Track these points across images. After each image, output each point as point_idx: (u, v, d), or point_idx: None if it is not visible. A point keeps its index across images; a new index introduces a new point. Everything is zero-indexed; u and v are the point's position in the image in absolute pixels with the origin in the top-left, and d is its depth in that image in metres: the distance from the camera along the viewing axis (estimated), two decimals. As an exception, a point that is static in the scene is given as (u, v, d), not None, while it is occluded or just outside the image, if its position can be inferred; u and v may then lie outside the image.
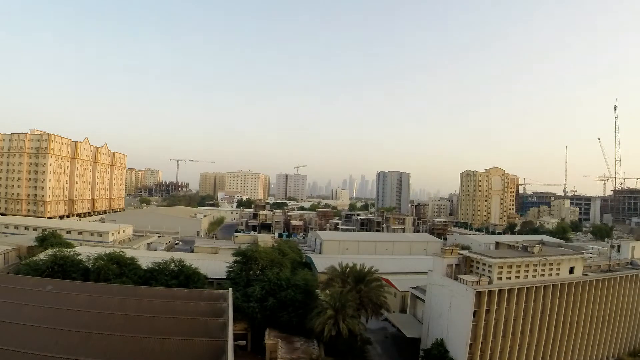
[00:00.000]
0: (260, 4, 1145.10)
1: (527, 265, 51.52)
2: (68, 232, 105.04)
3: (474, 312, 46.94)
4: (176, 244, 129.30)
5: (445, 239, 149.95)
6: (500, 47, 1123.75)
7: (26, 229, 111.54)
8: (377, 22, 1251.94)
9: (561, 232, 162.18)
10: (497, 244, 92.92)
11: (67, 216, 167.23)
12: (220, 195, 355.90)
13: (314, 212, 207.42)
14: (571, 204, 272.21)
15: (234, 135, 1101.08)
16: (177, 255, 72.44)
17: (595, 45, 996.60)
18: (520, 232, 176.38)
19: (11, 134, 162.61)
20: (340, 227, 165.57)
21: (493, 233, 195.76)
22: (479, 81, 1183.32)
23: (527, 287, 50.27)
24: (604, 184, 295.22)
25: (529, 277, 51.45)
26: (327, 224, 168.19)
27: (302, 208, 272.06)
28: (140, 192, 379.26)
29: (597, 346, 58.92)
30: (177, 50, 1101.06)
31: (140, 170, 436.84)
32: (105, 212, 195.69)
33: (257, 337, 51.91)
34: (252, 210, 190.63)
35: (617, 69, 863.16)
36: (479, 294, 46.95)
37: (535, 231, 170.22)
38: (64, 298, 42.02)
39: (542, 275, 52.43)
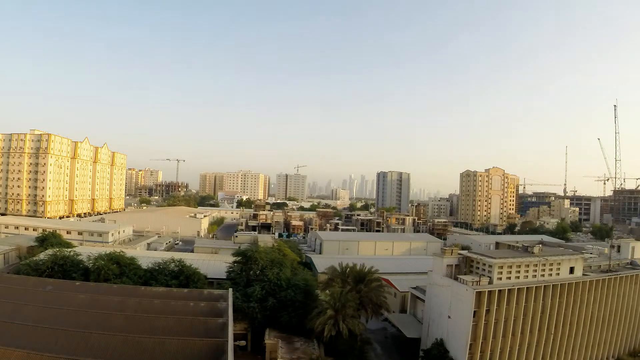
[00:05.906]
0: (267, 13, 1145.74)
1: (527, 266, 51.51)
2: (68, 232, 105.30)
3: (474, 312, 46.92)
4: (176, 244, 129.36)
5: (445, 239, 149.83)
6: (500, 47, 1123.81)
7: (26, 229, 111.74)
8: (376, 28, 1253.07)
9: (561, 232, 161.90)
10: (497, 244, 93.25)
11: (67, 216, 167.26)
12: (220, 195, 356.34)
13: (314, 212, 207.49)
14: (571, 204, 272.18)
15: (234, 135, 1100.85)
16: (177, 255, 72.56)
17: (596, 45, 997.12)
18: (520, 232, 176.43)
19: (11, 134, 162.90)
20: (340, 227, 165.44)
21: (493, 233, 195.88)
22: (479, 81, 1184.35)
23: (527, 287, 50.23)
24: (604, 184, 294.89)
25: (529, 277, 51.43)
26: (327, 224, 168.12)
27: (302, 208, 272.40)
28: (140, 192, 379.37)
29: (597, 346, 58.89)
30: (178, 51, 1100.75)
31: (140, 170, 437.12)
32: (105, 212, 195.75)
33: (257, 337, 51.88)
34: (252, 210, 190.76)
35: (618, 68, 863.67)
36: (479, 294, 46.93)
37: (535, 231, 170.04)
38: (64, 298, 42.05)
39: (542, 275, 52.41)
